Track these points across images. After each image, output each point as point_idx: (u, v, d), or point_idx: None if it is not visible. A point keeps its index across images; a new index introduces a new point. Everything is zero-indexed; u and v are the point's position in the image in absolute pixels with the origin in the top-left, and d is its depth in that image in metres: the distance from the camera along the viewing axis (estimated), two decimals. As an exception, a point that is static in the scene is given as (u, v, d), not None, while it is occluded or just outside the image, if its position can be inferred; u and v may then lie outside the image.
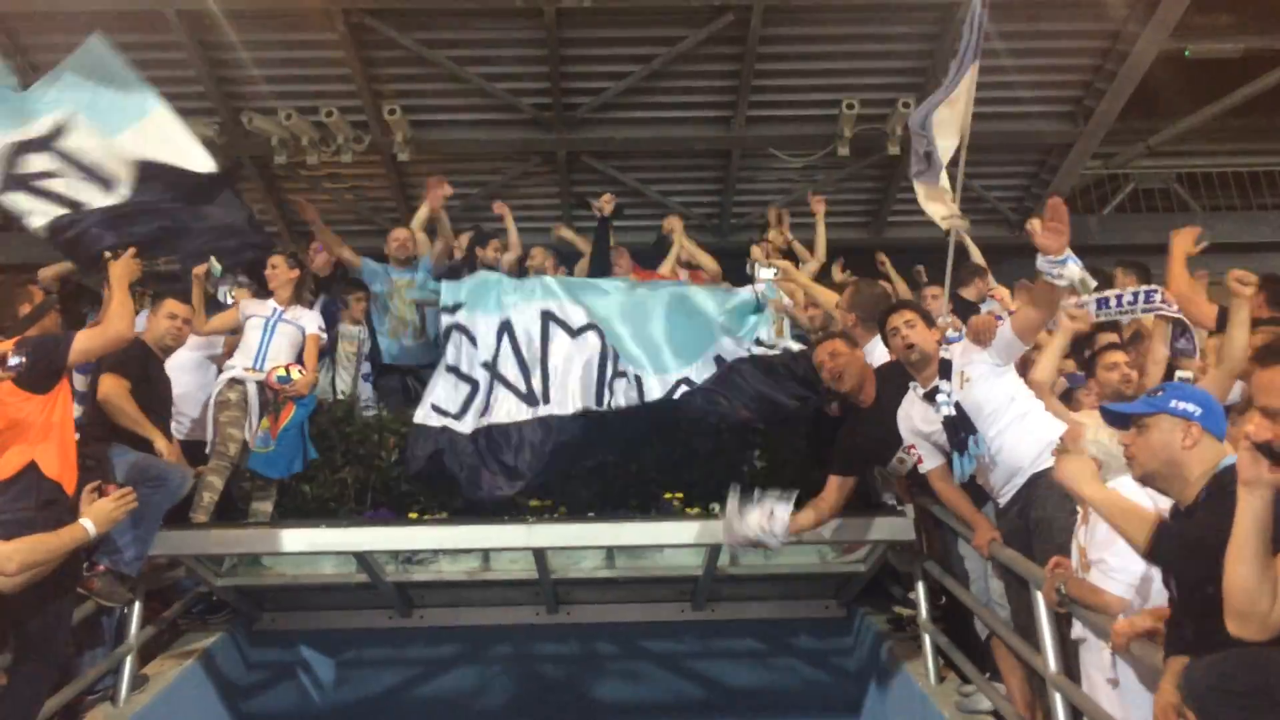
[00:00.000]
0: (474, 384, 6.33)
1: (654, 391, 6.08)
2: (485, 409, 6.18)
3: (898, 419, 4.99)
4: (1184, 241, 5.53)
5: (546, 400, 6.16)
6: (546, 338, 6.41)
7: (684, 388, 6.07)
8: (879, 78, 9.29)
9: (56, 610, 4.15)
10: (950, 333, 5.23)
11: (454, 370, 6.39)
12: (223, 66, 9.05)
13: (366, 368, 7.64)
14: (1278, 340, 2.53)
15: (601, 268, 8.25)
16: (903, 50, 9.12)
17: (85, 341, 4.29)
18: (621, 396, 6.05)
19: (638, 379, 6.14)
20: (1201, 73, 10.61)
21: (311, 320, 6.73)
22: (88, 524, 3.89)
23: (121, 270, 4.60)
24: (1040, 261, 4.19)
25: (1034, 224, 4.22)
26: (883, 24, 8.55)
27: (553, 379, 6.24)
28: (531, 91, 9.45)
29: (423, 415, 6.19)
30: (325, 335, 6.91)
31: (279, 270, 6.70)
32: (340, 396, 7.26)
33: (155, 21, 8.44)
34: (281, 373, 6.19)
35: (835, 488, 5.27)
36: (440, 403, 6.27)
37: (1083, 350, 5.99)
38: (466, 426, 6.12)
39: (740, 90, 9.31)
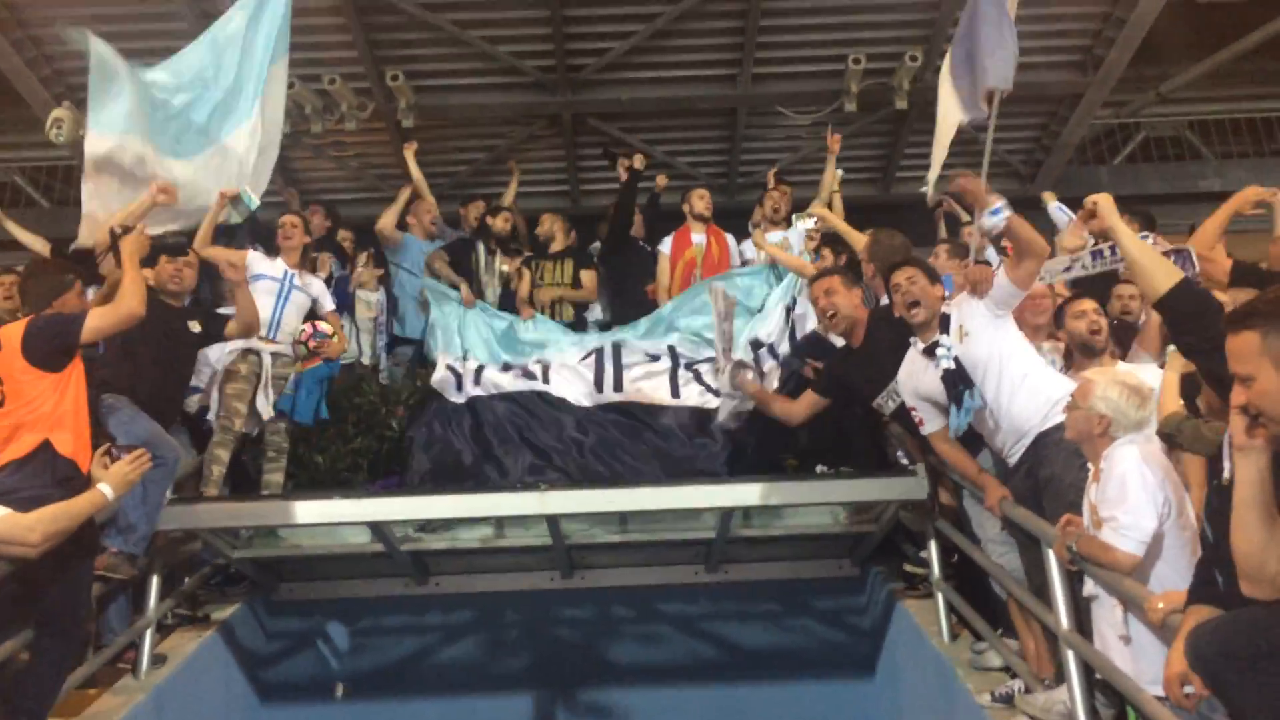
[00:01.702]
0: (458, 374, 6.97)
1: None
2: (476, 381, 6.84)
3: (899, 380, 4.98)
4: (1245, 197, 5.42)
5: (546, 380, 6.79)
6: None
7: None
8: (885, 31, 9.15)
9: (76, 580, 4.15)
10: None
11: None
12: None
13: (383, 337, 7.65)
14: (1243, 306, 2.49)
15: (626, 223, 8.22)
16: (909, 2, 8.96)
17: (97, 320, 4.27)
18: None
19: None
20: (1212, 17, 10.44)
21: (324, 294, 6.69)
22: (105, 489, 3.81)
23: (132, 246, 4.57)
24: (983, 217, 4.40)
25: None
26: (887, -24, 8.42)
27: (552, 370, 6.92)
28: (535, 54, 9.32)
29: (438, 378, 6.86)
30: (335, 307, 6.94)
31: (298, 230, 6.62)
32: (364, 361, 7.32)
33: (155, -6, 8.37)
34: (323, 326, 6.39)
35: (807, 401, 5.78)
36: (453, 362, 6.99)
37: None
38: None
39: (745, 47, 9.17)
